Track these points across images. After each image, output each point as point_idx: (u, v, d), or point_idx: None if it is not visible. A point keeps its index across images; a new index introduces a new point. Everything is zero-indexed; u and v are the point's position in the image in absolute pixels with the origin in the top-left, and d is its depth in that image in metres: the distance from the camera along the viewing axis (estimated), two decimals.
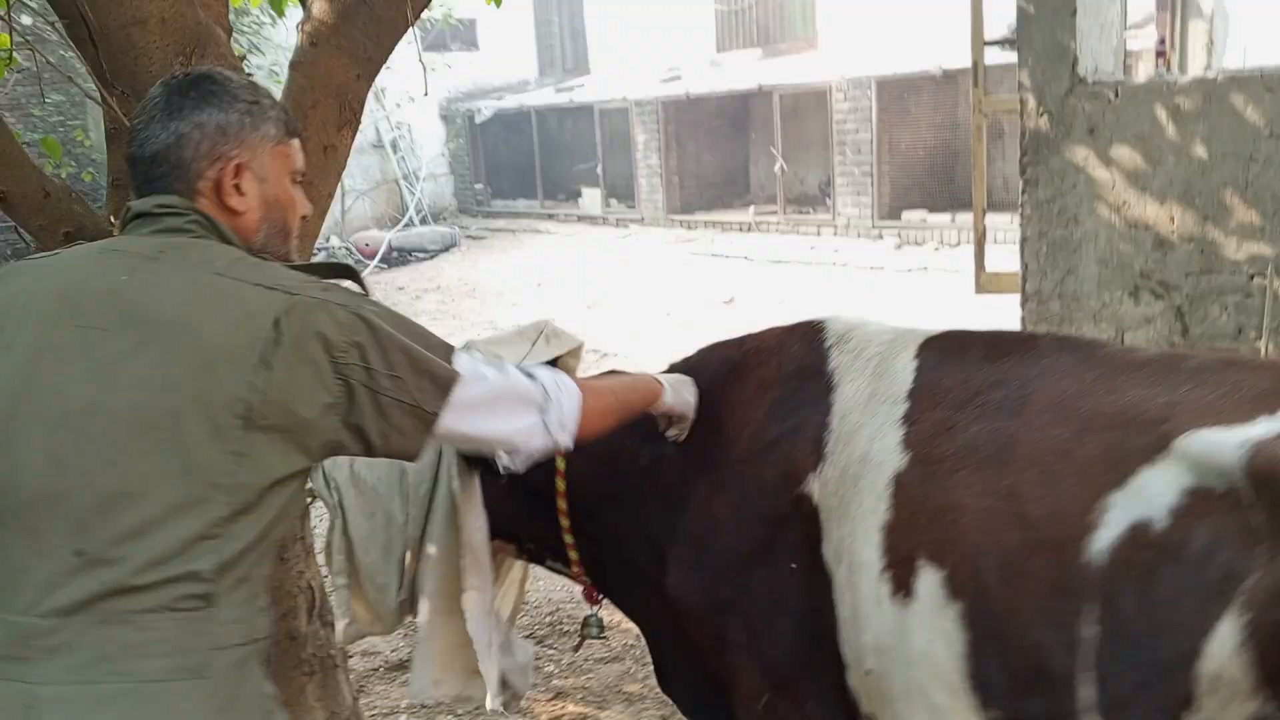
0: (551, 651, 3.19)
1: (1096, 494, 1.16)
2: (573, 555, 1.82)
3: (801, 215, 13.14)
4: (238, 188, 1.23)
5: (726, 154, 15.17)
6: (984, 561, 1.23)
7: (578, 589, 3.51)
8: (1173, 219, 3.43)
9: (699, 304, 9.05)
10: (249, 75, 1.52)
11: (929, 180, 12.33)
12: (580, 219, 15.94)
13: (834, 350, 1.57)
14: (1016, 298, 3.88)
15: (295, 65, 2.06)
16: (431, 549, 1.76)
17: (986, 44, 4.20)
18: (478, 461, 1.68)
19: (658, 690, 2.89)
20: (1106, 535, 1.14)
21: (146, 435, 1.08)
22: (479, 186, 17.79)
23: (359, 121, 2.20)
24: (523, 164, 17.05)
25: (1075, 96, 3.55)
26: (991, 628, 1.21)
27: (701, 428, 1.66)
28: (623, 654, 3.12)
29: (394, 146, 16.07)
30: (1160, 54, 4.90)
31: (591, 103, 15.64)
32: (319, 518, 2.47)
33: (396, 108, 15.06)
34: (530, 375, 1.34)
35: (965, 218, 10.88)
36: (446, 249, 14.73)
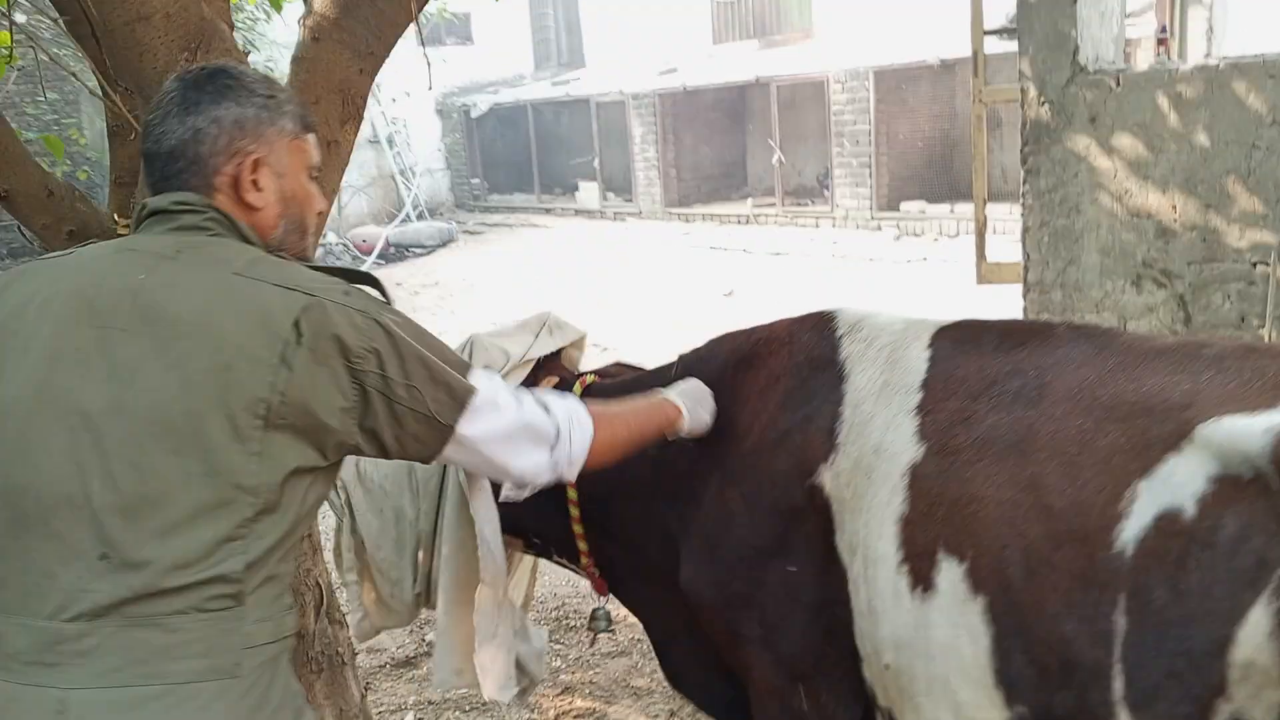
0: (558, 646, 3.19)
1: (1122, 483, 1.15)
2: (582, 547, 1.82)
3: (800, 207, 13.12)
4: (255, 183, 1.21)
5: (724, 146, 15.14)
6: (1007, 554, 1.21)
7: (583, 584, 3.52)
8: (1175, 207, 3.42)
9: (699, 297, 9.04)
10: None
11: (927, 171, 12.32)
12: (577, 213, 15.91)
13: (845, 340, 1.56)
14: (1018, 288, 3.87)
15: (297, 60, 2.05)
16: (445, 542, 1.76)
17: (986, 33, 4.19)
18: None
19: (665, 685, 2.89)
20: (1134, 525, 1.13)
21: (168, 437, 1.07)
22: (475, 181, 17.75)
23: (362, 116, 2.18)
24: (519, 158, 17.01)
25: (1076, 85, 3.54)
26: (1017, 621, 1.20)
27: (714, 420, 1.65)
28: (629, 648, 3.13)
29: (390, 142, 16.03)
30: (1161, 41, 4.89)
31: (588, 96, 15.59)
32: (323, 515, 2.47)
33: (392, 103, 15.01)
34: (546, 408, 1.33)
35: (964, 208, 10.88)
36: (444, 244, 14.71)
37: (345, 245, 13.87)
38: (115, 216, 1.97)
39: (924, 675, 1.30)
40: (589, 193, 15.89)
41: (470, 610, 1.70)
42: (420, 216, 15.82)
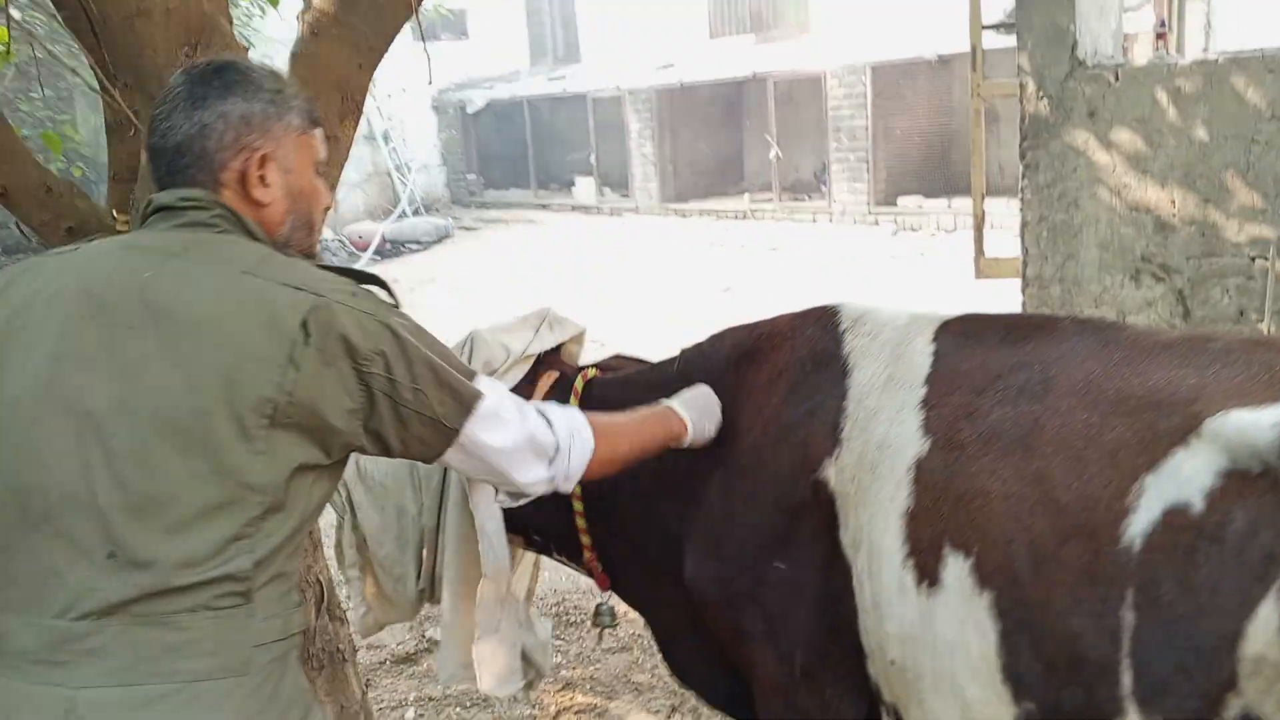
0: (559, 642, 3.19)
1: (1129, 478, 1.15)
2: (585, 541, 1.81)
3: (797, 202, 13.12)
4: (263, 179, 1.21)
5: (721, 142, 15.13)
6: (1014, 549, 1.21)
7: (583, 580, 3.51)
8: (1174, 202, 3.42)
9: (696, 293, 9.04)
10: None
11: (924, 166, 12.33)
12: (574, 208, 15.89)
13: (849, 334, 1.55)
14: (1016, 283, 3.87)
15: (296, 56, 2.04)
16: (449, 538, 1.76)
17: (985, 28, 4.19)
18: None
19: (666, 680, 2.90)
20: (1141, 519, 1.13)
21: (175, 436, 1.06)
22: (471, 177, 17.72)
23: (361, 112, 2.18)
24: (515, 154, 16.99)
25: (1075, 79, 3.54)
26: (1024, 617, 1.20)
27: None
28: (630, 644, 3.13)
29: (386, 138, 15.99)
30: (1160, 36, 4.89)
31: (584, 92, 15.57)
32: (323, 511, 2.47)
33: (388, 99, 14.98)
34: (549, 421, 1.34)
35: (961, 203, 10.89)
36: (440, 240, 14.69)
37: (341, 241, 13.83)
38: (114, 213, 1.96)
39: (930, 671, 1.29)
40: (585, 188, 15.87)
41: (478, 606, 1.70)
42: (416, 212, 15.79)
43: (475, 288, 10.42)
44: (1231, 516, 1.07)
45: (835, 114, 12.19)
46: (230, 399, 1.07)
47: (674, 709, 2.79)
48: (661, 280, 9.91)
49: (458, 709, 2.87)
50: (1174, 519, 1.11)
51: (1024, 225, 3.78)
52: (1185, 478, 1.11)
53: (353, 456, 1.27)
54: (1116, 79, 3.44)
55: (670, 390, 1.74)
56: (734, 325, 1.77)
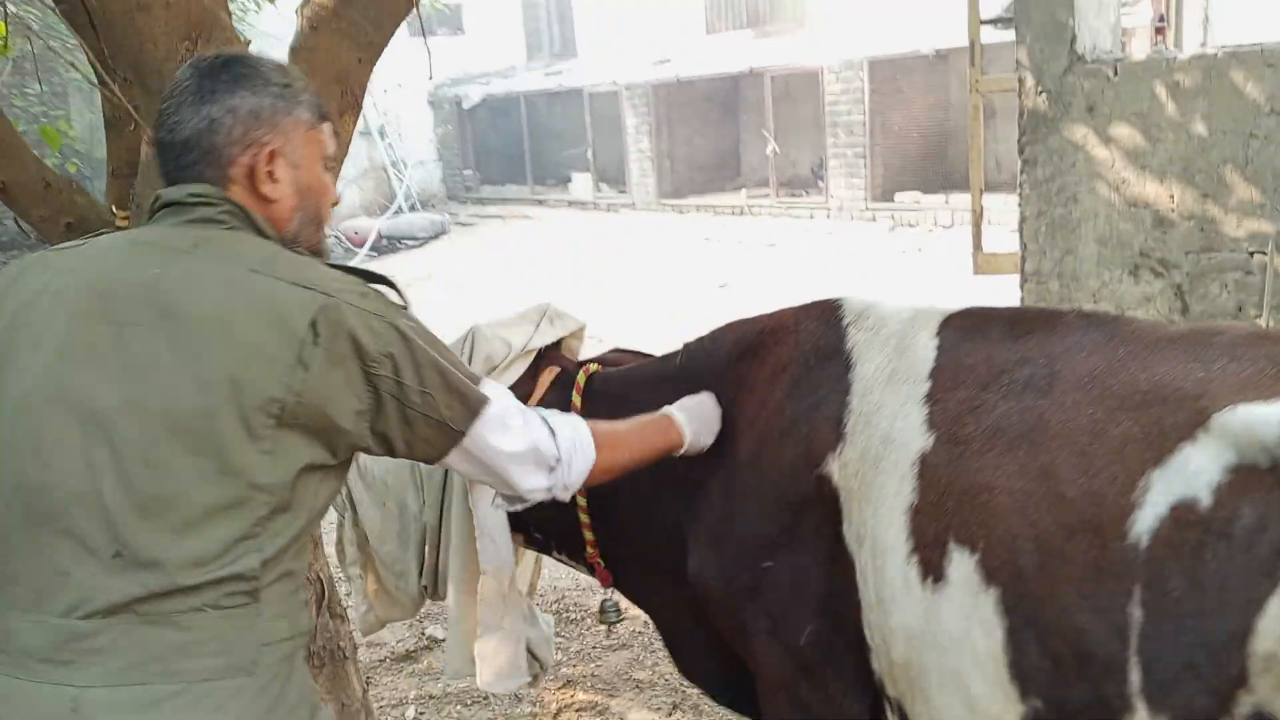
0: (559, 639, 3.19)
1: (1135, 473, 1.15)
2: (588, 536, 1.81)
3: (794, 198, 13.12)
4: (271, 174, 1.20)
5: (717, 137, 15.12)
6: (1020, 544, 1.21)
7: (583, 577, 3.51)
8: (1172, 197, 3.43)
9: (693, 288, 9.03)
10: None
11: (922, 162, 12.33)
12: (571, 204, 15.87)
13: (852, 328, 1.55)
14: (1015, 278, 3.88)
15: (295, 50, 2.03)
16: (453, 534, 1.76)
17: (983, 23, 4.19)
18: None
19: (667, 677, 2.91)
20: (1148, 515, 1.12)
21: (182, 436, 1.05)
22: (468, 173, 17.68)
23: (360, 106, 2.17)
24: (512, 149, 16.95)
25: (1074, 74, 3.54)
26: (1031, 613, 1.20)
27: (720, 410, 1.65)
28: (630, 641, 3.12)
29: (382, 133, 15.95)
30: (1159, 30, 4.89)
31: (581, 87, 15.54)
32: None
33: (384, 94, 14.93)
34: (552, 430, 1.34)
35: (958, 199, 10.89)
36: (436, 236, 14.66)
37: (337, 238, 13.79)
38: (114, 209, 1.95)
39: (936, 667, 1.29)
40: (582, 184, 15.85)
41: (481, 603, 1.70)
42: (413, 208, 15.76)
43: (472, 284, 10.40)
44: (1240, 512, 1.06)
45: (832, 109, 12.18)
46: (238, 399, 1.06)
47: (675, 706, 2.79)
48: (658, 276, 9.90)
49: (458, 706, 2.86)
50: (1181, 515, 1.10)
51: (1023, 220, 3.78)
52: (1192, 473, 1.11)
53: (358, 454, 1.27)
54: (1115, 74, 3.44)
55: (673, 384, 1.74)
56: (737, 319, 1.77)
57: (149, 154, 1.71)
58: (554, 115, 16.68)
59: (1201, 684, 1.07)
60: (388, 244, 13.97)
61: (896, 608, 1.34)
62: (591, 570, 1.89)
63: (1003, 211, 9.30)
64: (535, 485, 1.33)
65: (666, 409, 1.60)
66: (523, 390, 1.80)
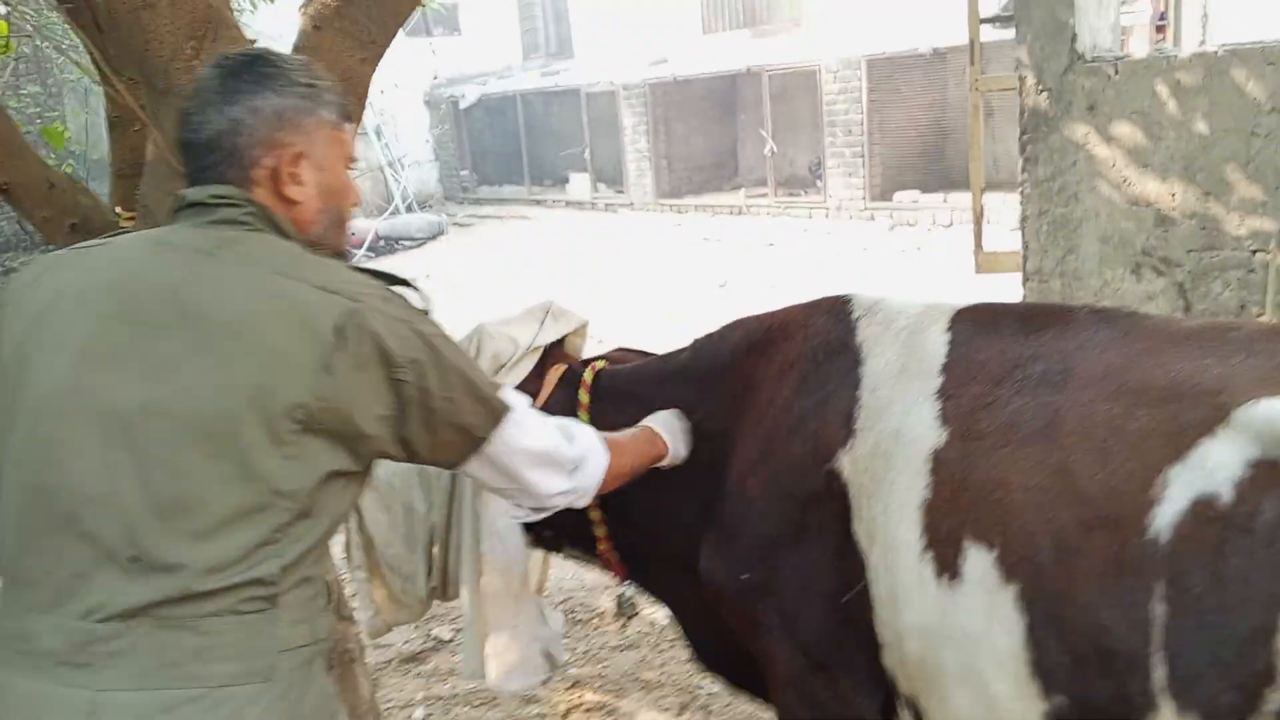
0: (565, 640, 3.18)
1: (1154, 468, 1.14)
2: (600, 533, 1.81)
3: (792, 198, 13.11)
4: (295, 176, 1.19)
5: (715, 137, 15.11)
6: (1038, 541, 1.20)
7: (589, 577, 3.51)
8: (1174, 195, 3.43)
9: (692, 288, 9.03)
10: None
11: (920, 161, 12.33)
12: (568, 204, 15.86)
13: (862, 323, 1.54)
14: (1016, 277, 3.88)
15: (298, 50, 2.02)
16: (464, 534, 1.75)
17: (983, 21, 4.19)
18: None
19: (676, 677, 2.90)
20: (1168, 510, 1.12)
21: (204, 440, 1.04)
22: (465, 173, 17.66)
23: (364, 107, 2.16)
24: (509, 149, 16.94)
25: (1074, 73, 3.54)
26: (1051, 609, 1.19)
27: (728, 406, 1.64)
28: (639, 641, 3.11)
29: (378, 133, 15.92)
30: (1159, 28, 4.90)
31: (578, 86, 15.52)
32: None
33: (380, 94, 14.90)
34: (570, 438, 1.37)
35: (957, 198, 10.90)
36: (434, 237, 14.64)
37: None
38: (117, 209, 1.94)
39: (952, 665, 1.28)
40: (580, 184, 15.84)
41: (491, 602, 1.70)
42: (409, 209, 15.73)
43: (470, 285, 10.38)
44: (1261, 508, 1.06)
45: (830, 108, 12.18)
46: (262, 403, 1.05)
47: (684, 706, 2.78)
48: (657, 276, 9.89)
49: (466, 708, 2.86)
50: (1202, 510, 1.10)
51: (1024, 219, 3.78)
52: (1213, 468, 1.10)
53: None
54: (1116, 72, 3.45)
55: (680, 382, 1.74)
56: (745, 316, 1.76)
57: (154, 154, 1.71)
58: (551, 115, 16.66)
59: (1228, 681, 1.07)
60: (385, 245, 13.95)
61: (909, 605, 1.34)
62: (605, 565, 1.88)
63: (1001, 211, 9.31)
64: (555, 489, 1.34)
65: (644, 421, 1.64)
66: (530, 388, 1.80)
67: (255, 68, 1.19)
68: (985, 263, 4.32)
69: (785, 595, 1.52)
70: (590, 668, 3.03)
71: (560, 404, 1.77)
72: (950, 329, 1.46)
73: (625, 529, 1.81)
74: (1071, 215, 3.68)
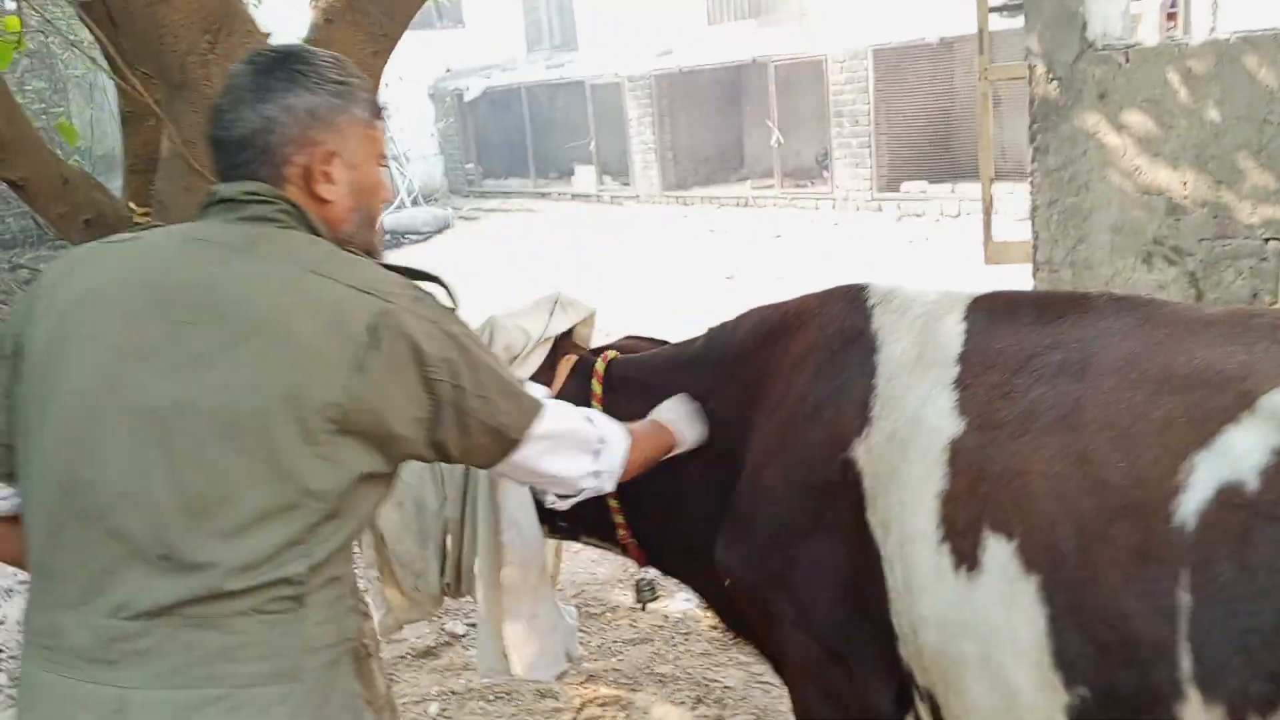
0: (579, 633, 3.19)
1: (1179, 456, 1.13)
2: (618, 519, 1.81)
3: (799, 189, 13.07)
4: (328, 175, 1.18)
5: (721, 128, 15.06)
6: (1059, 530, 1.19)
7: (602, 571, 3.51)
8: (1185, 184, 3.41)
9: (699, 280, 9.01)
10: None
11: (928, 151, 12.27)
12: (574, 197, 15.84)
13: (877, 311, 1.53)
14: (1026, 267, 3.86)
15: (309, 43, 2.02)
16: (480, 528, 1.76)
17: (991, 10, 4.16)
18: None
19: (690, 671, 2.90)
20: (1193, 498, 1.11)
21: (235, 437, 1.04)
22: (470, 166, 17.64)
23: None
24: (514, 142, 16.91)
25: (1085, 61, 3.51)
26: (1073, 599, 1.18)
27: (743, 394, 1.64)
28: (652, 635, 3.12)
29: None
30: (1170, 15, 4.87)
31: (583, 78, 15.48)
32: None
33: (385, 87, 14.87)
34: (593, 423, 1.39)
35: (965, 188, 10.85)
36: (440, 230, 14.63)
37: None
38: (131, 205, 1.95)
39: (972, 657, 1.28)
40: (585, 176, 15.81)
41: (510, 594, 1.70)
42: (415, 203, 15.73)
43: (476, 278, 10.38)
44: None
45: (837, 99, 12.13)
46: (295, 401, 1.05)
47: (699, 700, 2.78)
48: (663, 268, 9.88)
49: (481, 702, 2.86)
50: (1227, 497, 1.09)
51: (1034, 209, 3.77)
52: (1238, 455, 1.10)
53: None
54: (1127, 60, 3.42)
55: (694, 370, 1.74)
56: (760, 305, 1.76)
57: (169, 149, 1.71)
58: (556, 108, 16.63)
59: (1256, 670, 1.06)
60: (391, 239, 13.94)
61: (926, 596, 1.33)
62: (624, 550, 1.88)
63: (1009, 201, 9.26)
64: (584, 470, 1.36)
65: (650, 415, 1.65)
66: (542, 379, 1.81)
67: (288, 65, 1.17)
68: (995, 253, 4.30)
69: (800, 585, 1.52)
70: (604, 662, 3.03)
71: (573, 394, 1.77)
72: (966, 317, 1.45)
73: (646, 518, 1.81)
74: (1082, 205, 3.66)
